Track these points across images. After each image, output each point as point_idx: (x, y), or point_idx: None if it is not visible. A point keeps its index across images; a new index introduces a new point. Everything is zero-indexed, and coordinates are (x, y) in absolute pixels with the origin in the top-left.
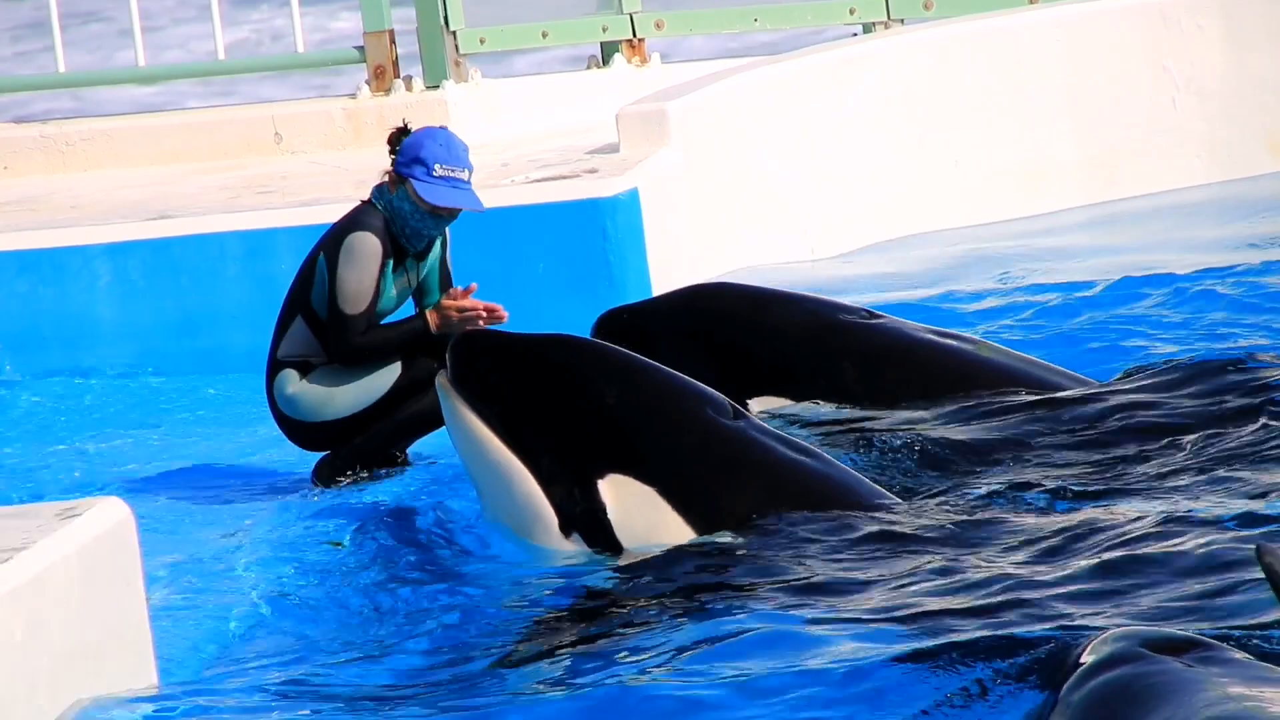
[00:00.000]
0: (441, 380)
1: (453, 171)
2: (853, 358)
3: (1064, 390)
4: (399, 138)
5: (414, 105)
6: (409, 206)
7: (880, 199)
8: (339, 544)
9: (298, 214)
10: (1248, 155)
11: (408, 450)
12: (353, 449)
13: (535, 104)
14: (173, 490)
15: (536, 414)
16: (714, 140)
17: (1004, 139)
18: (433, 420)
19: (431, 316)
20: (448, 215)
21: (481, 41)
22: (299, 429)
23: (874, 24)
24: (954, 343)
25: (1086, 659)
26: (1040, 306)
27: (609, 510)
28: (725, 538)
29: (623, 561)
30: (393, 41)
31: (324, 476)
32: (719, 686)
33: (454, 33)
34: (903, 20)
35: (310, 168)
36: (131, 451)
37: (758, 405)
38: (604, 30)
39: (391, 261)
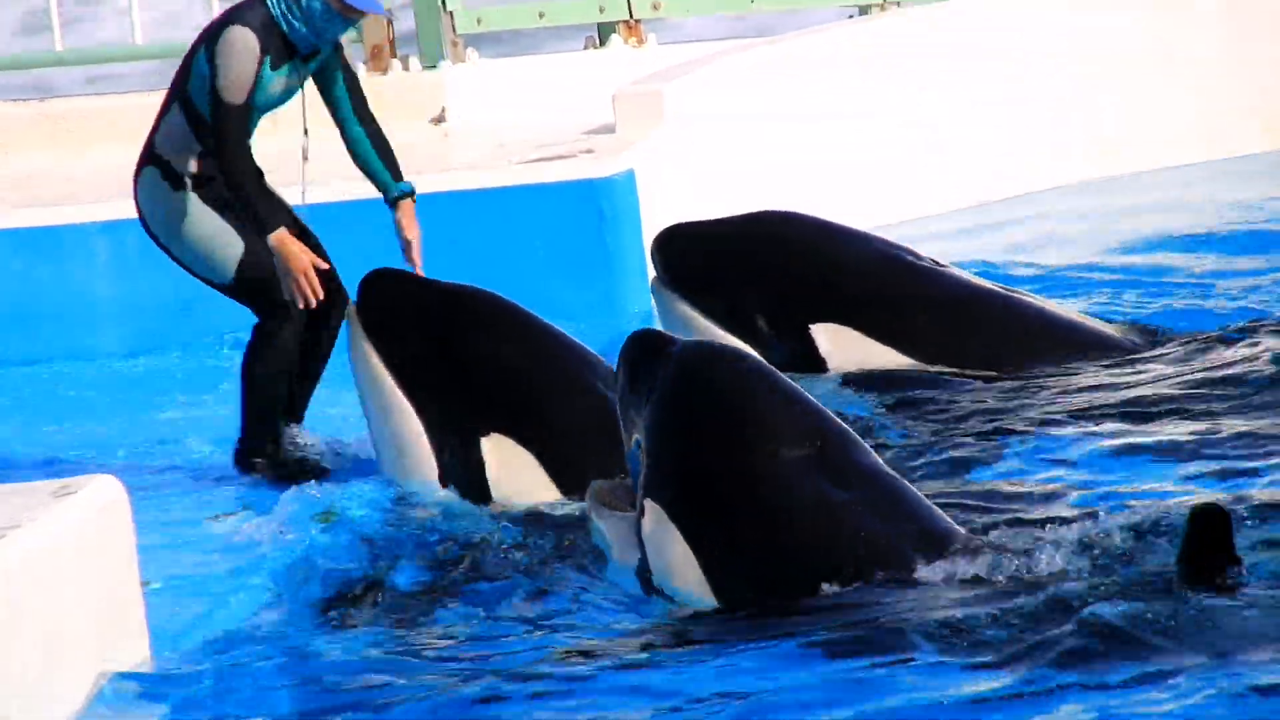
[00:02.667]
0: (350, 310)
1: None
2: (922, 298)
3: (1121, 349)
4: None
5: (410, 85)
6: (319, 6)
7: (877, 180)
8: (329, 516)
9: (295, 194)
10: None
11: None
12: (247, 427)
13: (532, 84)
14: (168, 469)
15: (433, 362)
16: (710, 121)
17: (999, 118)
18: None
19: (282, 240)
20: (356, 17)
21: (478, 22)
22: (151, 234)
23: (870, 5)
24: (1020, 298)
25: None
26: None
27: (487, 468)
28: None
29: (492, 514)
30: (390, 21)
31: (245, 468)
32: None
33: (451, 13)
34: (899, 2)
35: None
36: (127, 430)
37: (822, 331)
38: (601, 11)
39: (270, 58)
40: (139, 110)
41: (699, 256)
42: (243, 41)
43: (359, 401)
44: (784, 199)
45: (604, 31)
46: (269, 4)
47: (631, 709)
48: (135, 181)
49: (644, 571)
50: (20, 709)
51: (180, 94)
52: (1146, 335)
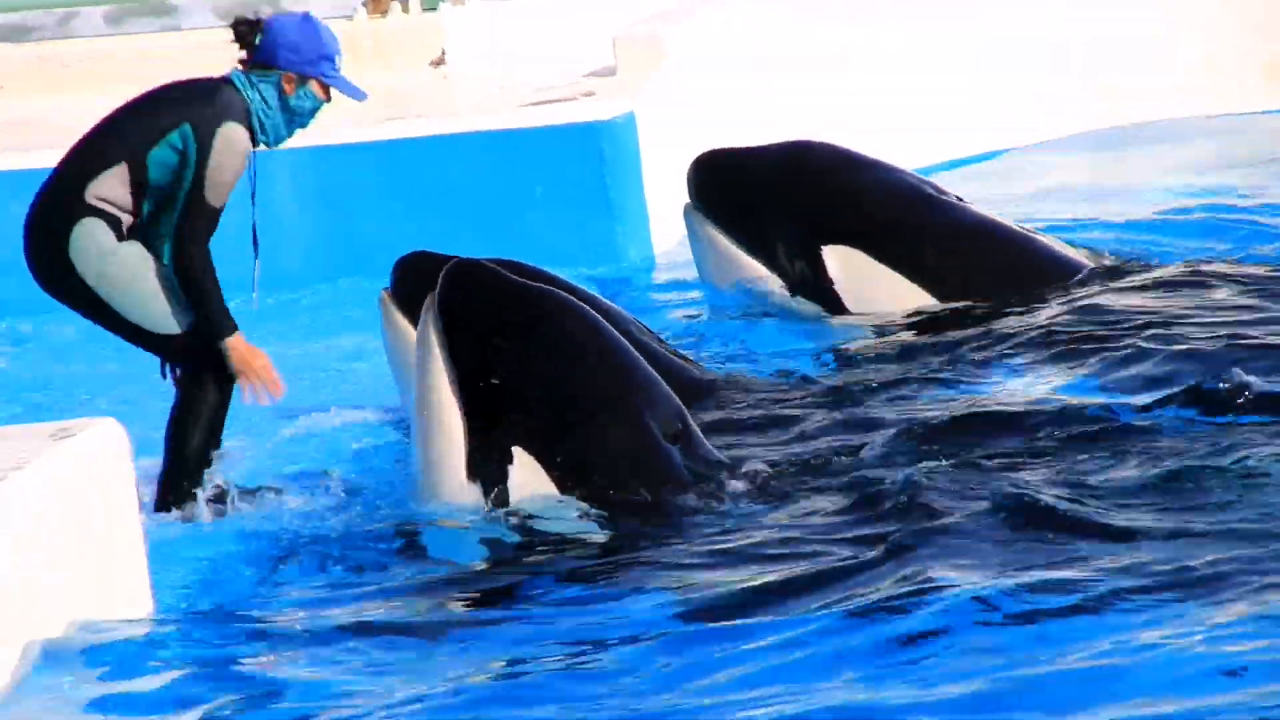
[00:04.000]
0: (385, 297)
1: (341, 62)
2: (934, 229)
3: (1119, 282)
4: (253, 29)
5: (410, 28)
6: (308, 104)
7: (876, 121)
8: (331, 472)
9: (295, 136)
10: None
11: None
12: (173, 488)
13: (531, 27)
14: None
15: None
16: (711, 63)
17: (1007, 64)
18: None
19: (237, 344)
20: (315, 112)
21: None
22: (82, 291)
23: None
24: (1033, 237)
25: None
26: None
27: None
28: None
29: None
30: None
31: (165, 504)
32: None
33: None
34: None
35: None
36: (126, 374)
37: (832, 253)
38: None
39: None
40: (139, 53)
41: (728, 182)
42: (242, 144)
43: (395, 374)
44: (784, 139)
45: None
46: (246, 96)
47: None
48: (60, 233)
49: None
50: (21, 649)
51: (132, 154)
52: (1145, 269)
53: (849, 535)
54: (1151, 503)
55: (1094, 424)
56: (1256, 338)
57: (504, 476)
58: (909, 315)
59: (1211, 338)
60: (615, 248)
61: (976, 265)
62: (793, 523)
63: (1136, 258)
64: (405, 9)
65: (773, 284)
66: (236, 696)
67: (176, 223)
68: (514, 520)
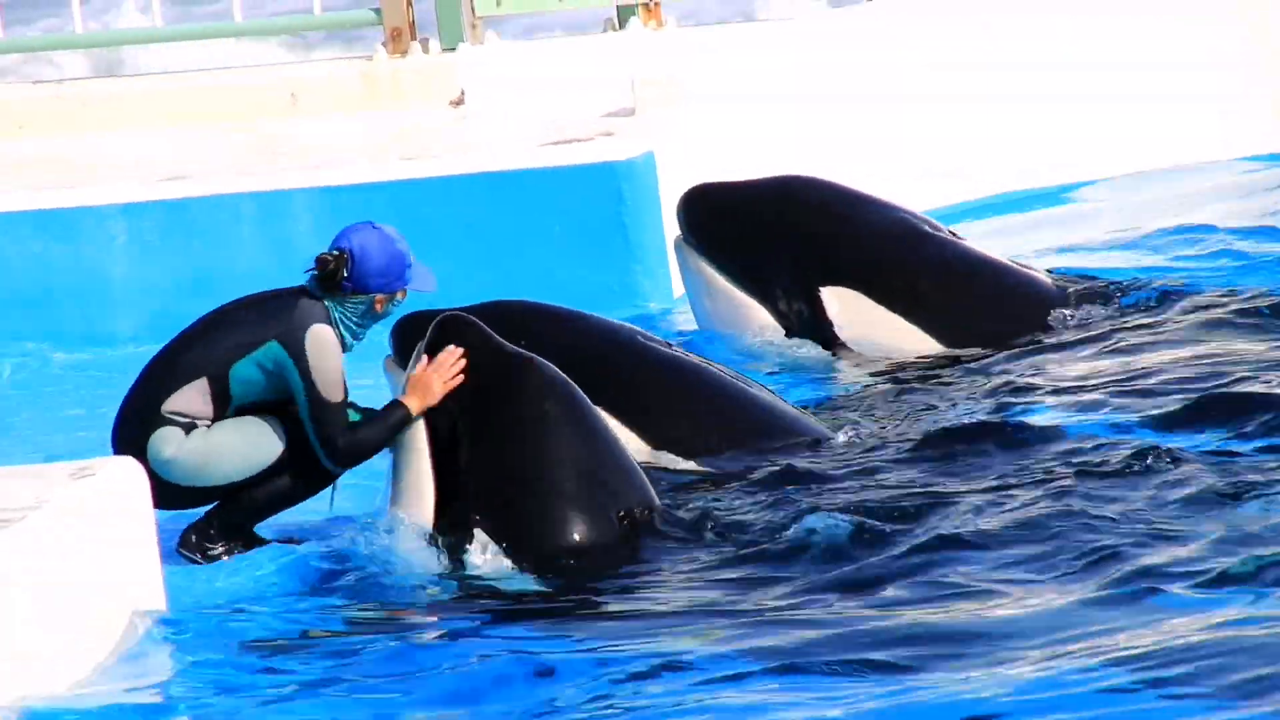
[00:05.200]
0: (390, 363)
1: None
2: (932, 268)
3: (1119, 320)
4: (339, 264)
5: (430, 68)
6: (365, 309)
7: (896, 161)
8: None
9: (312, 175)
10: None
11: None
12: (224, 519)
13: (551, 67)
14: None
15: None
16: (730, 103)
17: (1026, 106)
18: (295, 497)
19: (411, 400)
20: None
21: (498, 4)
22: (167, 490)
23: None
24: (1028, 272)
25: None
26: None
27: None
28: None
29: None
30: (410, 4)
31: (193, 546)
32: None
33: None
34: None
35: (324, 129)
36: None
37: (832, 294)
38: None
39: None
40: (157, 93)
41: (721, 216)
42: (332, 342)
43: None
44: (825, 180)
45: (623, 14)
46: (328, 305)
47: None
48: (140, 452)
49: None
50: (41, 687)
51: (216, 370)
52: (1150, 306)
53: (819, 598)
54: (1162, 529)
55: (1095, 456)
56: (1255, 374)
57: (462, 545)
58: (908, 356)
59: (1213, 372)
60: (634, 288)
61: (974, 304)
62: (741, 587)
63: (1138, 289)
64: (425, 49)
65: (767, 321)
66: None
67: (311, 436)
68: (468, 585)
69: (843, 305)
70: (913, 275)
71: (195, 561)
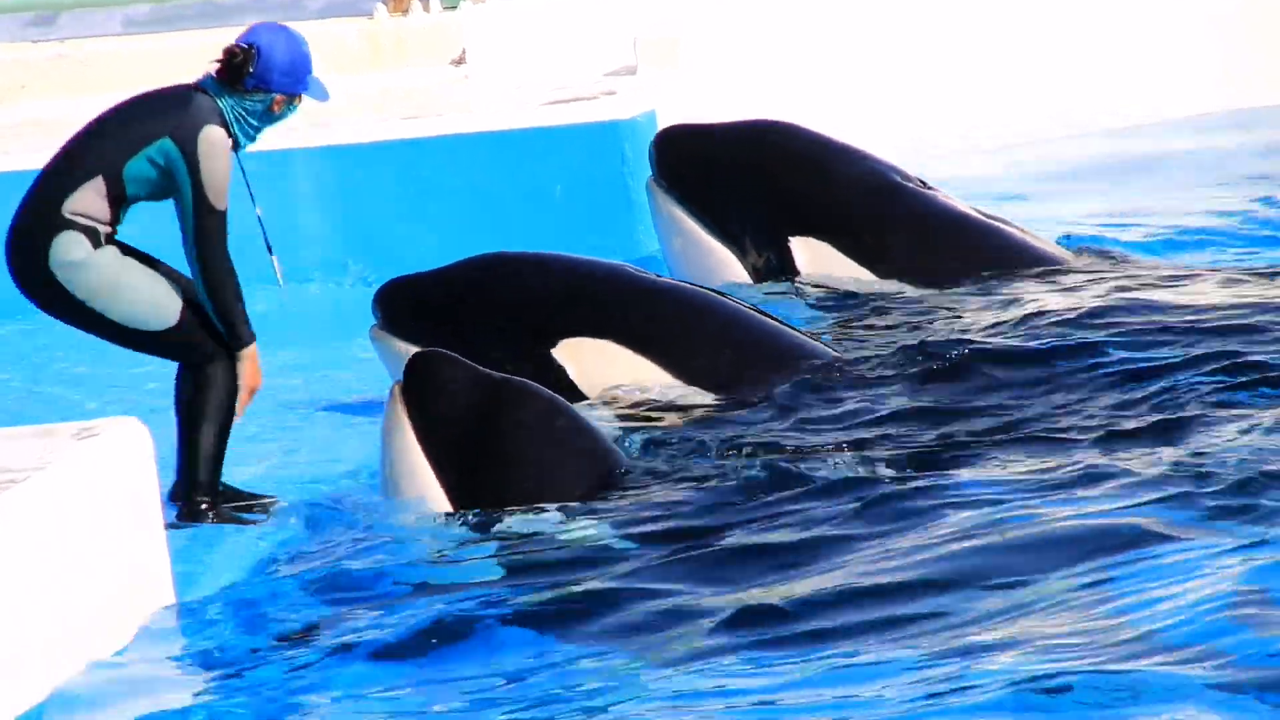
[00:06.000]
0: (376, 331)
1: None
2: (898, 220)
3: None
4: (247, 57)
5: (431, 27)
6: (290, 112)
7: (896, 117)
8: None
9: (313, 135)
10: None
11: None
12: (192, 479)
13: (552, 27)
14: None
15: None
16: (731, 62)
17: (1030, 57)
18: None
19: (254, 355)
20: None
21: None
22: (61, 297)
23: None
24: (996, 224)
25: None
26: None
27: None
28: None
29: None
30: None
31: (188, 514)
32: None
33: None
34: None
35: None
36: (149, 372)
37: (801, 245)
38: None
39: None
40: (158, 53)
41: (693, 159)
42: (223, 144)
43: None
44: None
45: None
46: (220, 104)
47: None
48: (40, 248)
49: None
50: (46, 648)
51: (109, 168)
52: (1110, 261)
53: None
54: (1119, 493)
55: (1047, 421)
56: (1223, 344)
57: (466, 519)
58: (871, 307)
59: (1177, 341)
60: (635, 246)
61: (944, 257)
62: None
63: (1123, 255)
64: (426, 8)
65: (736, 268)
66: (253, 697)
67: (188, 237)
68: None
69: (811, 255)
70: (877, 228)
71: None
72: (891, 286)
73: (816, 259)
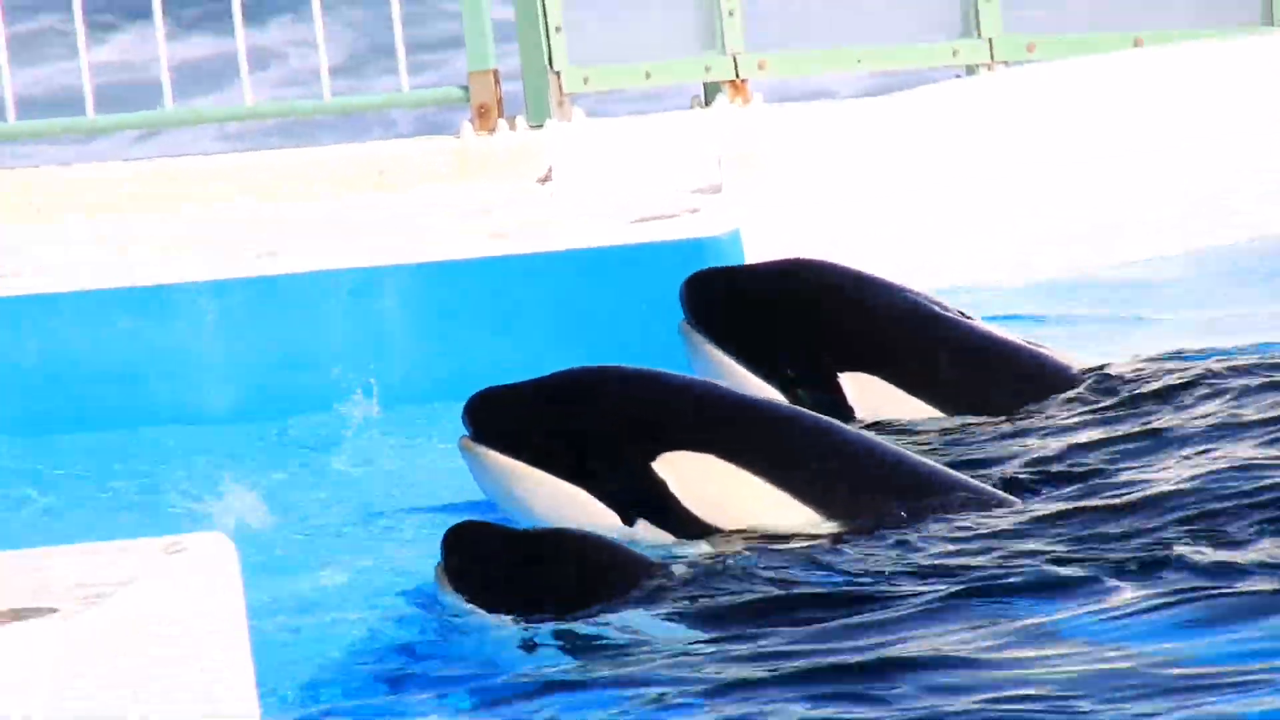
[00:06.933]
0: (467, 443)
1: None
2: (947, 349)
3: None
4: None
5: (518, 145)
6: None
7: (986, 242)
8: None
9: (401, 253)
10: None
11: None
12: None
13: (638, 144)
14: (274, 527)
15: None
16: (817, 180)
17: (1111, 182)
18: None
19: None
20: None
21: (585, 81)
22: None
23: (977, 66)
24: (1045, 352)
25: None
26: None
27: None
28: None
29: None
30: (497, 81)
31: None
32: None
33: (558, 72)
34: (1006, 63)
35: (414, 206)
36: (235, 489)
37: (851, 380)
38: (707, 70)
39: None
40: (247, 169)
41: (729, 301)
42: None
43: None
44: (893, 261)
45: (710, 91)
46: None
47: None
48: None
49: None
50: None
51: None
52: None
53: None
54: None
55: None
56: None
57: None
58: (930, 440)
59: (1229, 450)
60: None
61: (992, 384)
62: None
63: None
64: (512, 126)
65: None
66: None
67: None
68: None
69: (861, 390)
70: (927, 358)
71: None
72: (947, 417)
73: (866, 393)
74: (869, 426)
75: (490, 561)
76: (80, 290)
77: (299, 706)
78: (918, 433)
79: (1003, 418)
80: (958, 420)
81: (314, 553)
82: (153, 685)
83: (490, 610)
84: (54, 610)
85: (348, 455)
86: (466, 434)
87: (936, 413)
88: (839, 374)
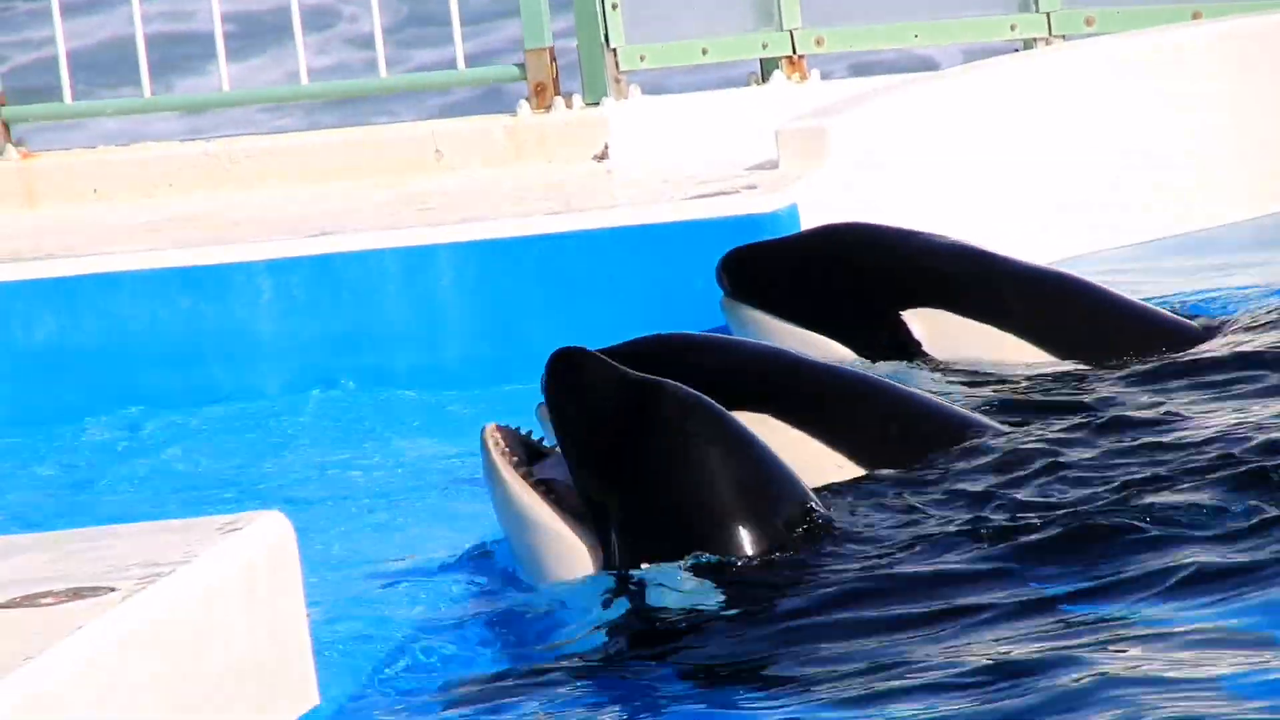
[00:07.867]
0: (544, 410)
1: None
2: (1007, 279)
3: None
4: None
5: (574, 123)
6: None
7: (1044, 217)
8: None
9: (458, 230)
10: None
11: None
12: None
13: (694, 121)
14: (331, 506)
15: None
16: (874, 156)
17: (1168, 155)
18: None
19: None
20: None
21: (641, 59)
22: None
23: (1035, 40)
24: (1103, 286)
25: None
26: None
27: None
28: None
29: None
30: (553, 59)
31: None
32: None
33: (614, 50)
34: (1064, 36)
35: (470, 184)
36: (292, 468)
37: (915, 317)
38: (764, 47)
39: None
40: (303, 150)
41: (769, 270)
42: None
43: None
44: (951, 234)
45: (767, 67)
46: None
47: None
48: None
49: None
50: None
51: None
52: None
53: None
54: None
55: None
56: None
57: (632, 585)
58: (1007, 366)
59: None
60: None
61: (1065, 312)
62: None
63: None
64: (569, 104)
65: (845, 355)
66: None
67: None
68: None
69: (928, 325)
70: (993, 285)
71: None
72: (1022, 346)
73: (935, 327)
74: (946, 362)
75: (592, 392)
76: (137, 270)
77: (356, 685)
78: (996, 363)
79: (1081, 345)
80: (1033, 355)
81: (370, 531)
82: (211, 664)
83: (572, 444)
84: (113, 589)
85: (405, 433)
86: (542, 403)
87: (1009, 335)
88: (901, 313)
